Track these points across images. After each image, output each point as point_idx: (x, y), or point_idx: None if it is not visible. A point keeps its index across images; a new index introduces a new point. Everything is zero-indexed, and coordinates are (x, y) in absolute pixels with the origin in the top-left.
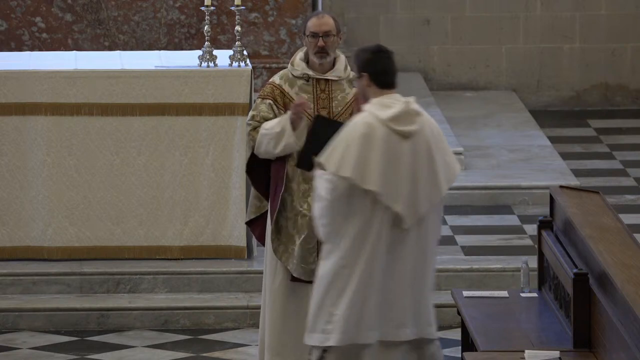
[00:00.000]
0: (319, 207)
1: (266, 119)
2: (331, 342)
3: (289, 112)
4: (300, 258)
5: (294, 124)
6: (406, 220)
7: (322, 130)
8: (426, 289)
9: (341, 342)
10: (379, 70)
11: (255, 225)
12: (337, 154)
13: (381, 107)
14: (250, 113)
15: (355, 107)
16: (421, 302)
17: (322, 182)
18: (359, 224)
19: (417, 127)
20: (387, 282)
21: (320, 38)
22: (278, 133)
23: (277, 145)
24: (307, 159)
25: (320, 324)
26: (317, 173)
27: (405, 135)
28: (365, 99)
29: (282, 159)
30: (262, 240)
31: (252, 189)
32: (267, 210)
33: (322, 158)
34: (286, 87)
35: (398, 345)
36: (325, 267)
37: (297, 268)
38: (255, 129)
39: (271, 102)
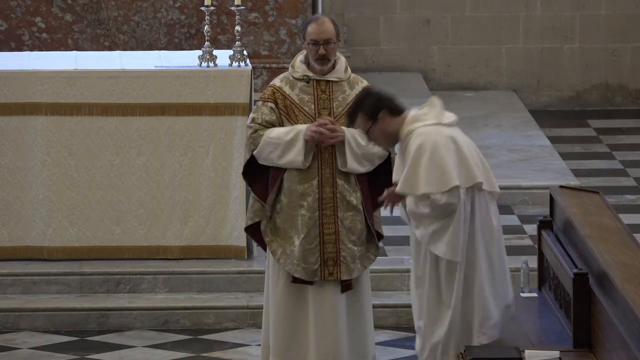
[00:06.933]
0: (433, 232)
1: (268, 122)
2: None
3: (304, 127)
4: (301, 258)
5: (308, 141)
6: (496, 192)
7: None
8: None
9: None
10: (391, 100)
11: (255, 231)
12: (435, 174)
13: (423, 118)
14: (251, 116)
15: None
16: None
17: (425, 206)
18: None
19: (452, 114)
20: None
21: (322, 46)
22: (287, 142)
23: (282, 156)
24: None
25: None
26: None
27: (454, 124)
28: (390, 135)
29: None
30: (263, 245)
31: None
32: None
33: (418, 186)
34: (287, 89)
35: None
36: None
37: (298, 269)
38: (256, 131)
39: (272, 105)
